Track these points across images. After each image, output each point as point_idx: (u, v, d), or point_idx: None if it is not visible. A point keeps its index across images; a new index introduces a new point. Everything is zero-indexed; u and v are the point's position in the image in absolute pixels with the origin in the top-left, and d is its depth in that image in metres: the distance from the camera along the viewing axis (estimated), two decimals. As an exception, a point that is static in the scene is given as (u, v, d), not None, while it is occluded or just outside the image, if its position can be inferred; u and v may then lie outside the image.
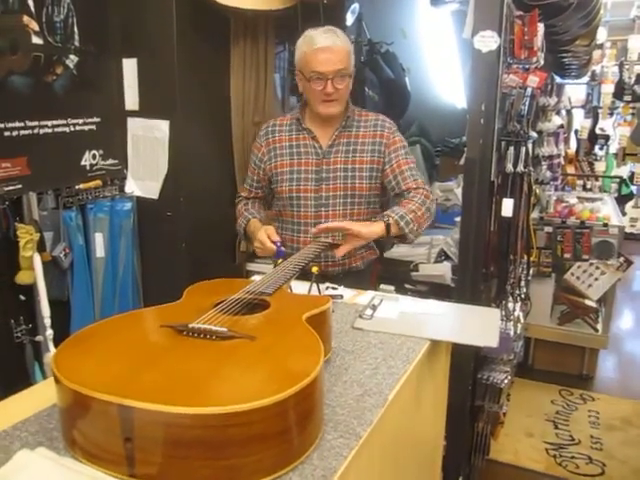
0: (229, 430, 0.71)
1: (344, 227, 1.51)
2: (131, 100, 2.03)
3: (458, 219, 2.06)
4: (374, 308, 1.33)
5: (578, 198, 3.59)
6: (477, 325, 1.32)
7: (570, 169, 4.74)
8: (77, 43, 1.86)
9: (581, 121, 5.46)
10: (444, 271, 2.13)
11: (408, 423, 1.19)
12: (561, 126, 3.70)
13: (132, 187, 2.07)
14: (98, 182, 1.95)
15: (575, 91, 5.25)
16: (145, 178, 2.06)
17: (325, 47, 1.57)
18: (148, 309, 1.06)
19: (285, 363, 0.84)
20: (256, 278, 1.22)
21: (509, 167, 1.87)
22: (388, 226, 1.53)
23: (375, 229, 1.52)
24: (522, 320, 2.27)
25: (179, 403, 0.71)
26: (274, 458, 0.76)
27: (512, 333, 2.05)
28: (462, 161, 2.84)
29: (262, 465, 0.75)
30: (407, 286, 2.28)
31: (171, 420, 0.70)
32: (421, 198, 1.62)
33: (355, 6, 3.11)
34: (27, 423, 0.88)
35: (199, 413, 0.70)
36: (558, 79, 3.63)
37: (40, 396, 0.87)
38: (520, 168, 1.86)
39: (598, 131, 5.24)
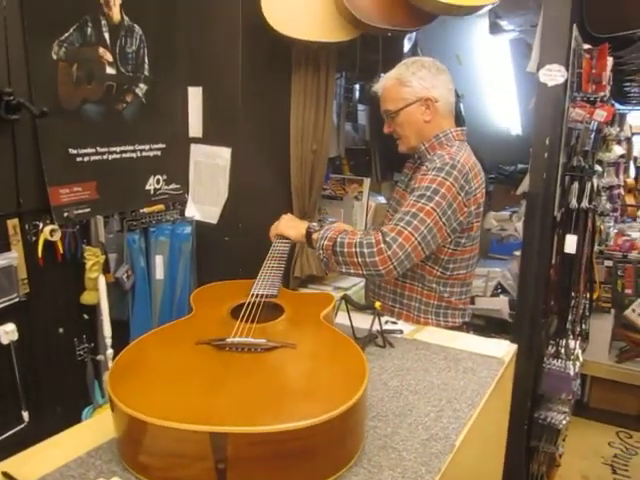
0: (316, 437, 0.78)
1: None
2: (195, 127, 2.08)
3: (517, 253, 2.02)
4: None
5: (640, 231, 3.46)
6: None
7: (629, 199, 4.57)
8: (147, 72, 1.93)
9: (640, 148, 5.27)
10: (501, 306, 2.08)
11: (472, 465, 1.16)
12: (622, 156, 3.58)
13: (192, 211, 2.11)
14: (161, 206, 2.00)
15: (633, 116, 5.08)
16: (205, 203, 2.10)
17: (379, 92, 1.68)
18: (169, 326, 1.11)
19: (338, 369, 0.93)
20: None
21: (573, 202, 1.82)
22: (309, 234, 1.50)
23: (295, 232, 1.53)
24: (581, 358, 2.19)
25: (264, 422, 0.76)
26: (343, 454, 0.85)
27: (572, 372, 1.97)
28: (518, 191, 2.79)
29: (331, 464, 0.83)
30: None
31: (264, 438, 0.75)
32: (369, 239, 1.38)
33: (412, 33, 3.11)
34: (100, 451, 0.90)
35: (292, 428, 0.75)
36: (617, 105, 3.53)
37: (109, 423, 0.88)
38: (585, 204, 1.81)
39: (659, 158, 5.05)
